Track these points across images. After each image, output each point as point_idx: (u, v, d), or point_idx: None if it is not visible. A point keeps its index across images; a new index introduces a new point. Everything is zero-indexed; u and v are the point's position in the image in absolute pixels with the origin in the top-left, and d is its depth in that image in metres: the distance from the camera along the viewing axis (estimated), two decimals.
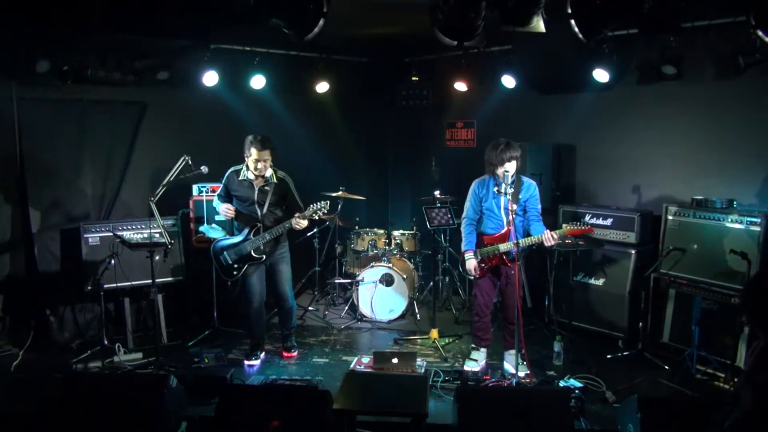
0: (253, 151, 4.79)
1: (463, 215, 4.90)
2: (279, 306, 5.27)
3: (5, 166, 5.27)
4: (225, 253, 5.01)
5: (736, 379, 4.55)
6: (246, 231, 4.94)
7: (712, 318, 4.83)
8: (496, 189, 4.68)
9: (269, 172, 4.94)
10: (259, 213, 4.94)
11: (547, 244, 4.50)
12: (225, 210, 4.96)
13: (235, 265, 4.99)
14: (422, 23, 4.19)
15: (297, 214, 4.78)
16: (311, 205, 4.82)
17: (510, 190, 4.44)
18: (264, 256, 4.96)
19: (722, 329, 4.74)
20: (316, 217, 4.86)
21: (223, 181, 5.05)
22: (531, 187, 4.73)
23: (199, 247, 6.01)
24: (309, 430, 3.46)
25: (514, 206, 4.49)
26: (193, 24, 5.33)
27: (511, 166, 4.55)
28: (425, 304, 6.63)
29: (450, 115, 7.65)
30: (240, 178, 4.95)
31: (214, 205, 5.19)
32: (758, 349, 2.30)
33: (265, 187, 4.95)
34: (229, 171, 5.03)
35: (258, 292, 5.05)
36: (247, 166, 4.91)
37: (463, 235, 4.85)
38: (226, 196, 5.07)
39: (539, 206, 4.75)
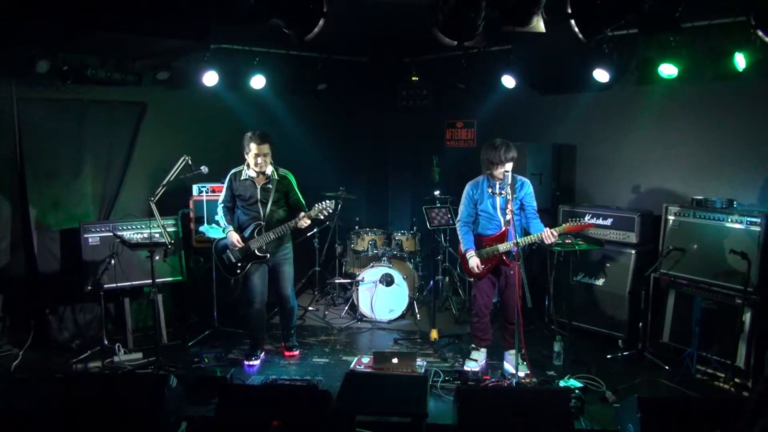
0: (253, 146, 4.79)
1: (458, 218, 4.91)
2: (280, 306, 5.28)
3: (5, 166, 5.27)
4: (228, 251, 5.01)
5: (736, 380, 4.55)
6: (249, 230, 4.94)
7: (712, 318, 4.83)
8: (489, 190, 4.69)
9: (270, 169, 4.93)
10: (262, 211, 4.93)
11: (547, 241, 4.51)
12: (236, 243, 4.89)
13: (239, 264, 4.99)
14: (422, 23, 4.19)
15: (302, 214, 4.76)
16: (316, 205, 4.78)
17: (507, 189, 4.44)
18: (267, 255, 4.95)
19: (722, 329, 4.73)
20: (321, 217, 4.84)
21: (226, 185, 5.02)
22: (525, 184, 4.75)
23: (199, 247, 6.01)
24: (309, 430, 3.46)
25: (512, 206, 4.49)
26: (193, 24, 5.32)
27: (510, 167, 4.56)
28: (425, 304, 6.63)
29: (450, 115, 7.65)
30: (242, 177, 4.94)
31: (220, 220, 5.09)
32: None
33: (267, 185, 4.94)
34: (230, 174, 5.01)
35: (260, 292, 5.04)
36: (248, 165, 4.91)
37: (460, 236, 4.85)
38: (231, 200, 5.03)
39: (535, 203, 4.76)
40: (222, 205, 5.06)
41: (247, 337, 5.39)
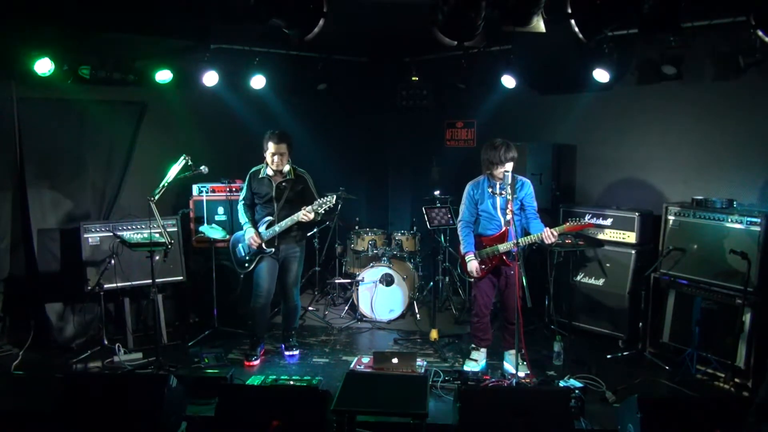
0: (270, 144, 4.88)
1: (459, 218, 4.91)
2: (284, 303, 5.30)
3: (5, 166, 5.26)
4: (240, 246, 5.13)
5: (736, 380, 4.55)
6: (261, 226, 5.00)
7: (712, 318, 4.83)
8: (490, 190, 4.70)
9: (287, 168, 5.00)
10: (275, 208, 4.98)
11: (547, 241, 4.51)
12: (252, 238, 4.96)
13: (248, 258, 5.06)
14: (422, 23, 4.19)
15: (303, 207, 4.83)
16: (317, 200, 4.86)
17: (507, 189, 4.44)
18: (274, 250, 4.99)
19: (722, 329, 4.73)
20: (322, 210, 4.88)
21: (245, 183, 5.14)
22: (526, 185, 4.75)
23: (199, 247, 6.01)
24: (309, 430, 3.46)
25: (512, 206, 4.49)
26: (193, 24, 5.33)
27: (510, 167, 4.56)
28: (425, 304, 6.63)
29: (450, 115, 7.65)
30: (260, 176, 5.04)
31: (240, 217, 5.16)
32: None
33: (283, 184, 5.01)
34: (250, 172, 5.12)
35: (266, 288, 5.05)
36: (266, 163, 4.99)
37: (460, 237, 4.86)
38: (250, 198, 5.12)
39: (535, 204, 4.76)
40: (242, 202, 5.16)
41: (247, 337, 5.38)
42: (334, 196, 4.89)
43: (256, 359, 5.12)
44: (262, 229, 5.01)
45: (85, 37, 5.07)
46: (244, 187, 5.17)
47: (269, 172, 5.01)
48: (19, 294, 5.39)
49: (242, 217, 5.14)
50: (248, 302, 5.23)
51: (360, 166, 8.09)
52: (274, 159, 4.90)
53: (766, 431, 2.73)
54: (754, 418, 2.95)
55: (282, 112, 6.89)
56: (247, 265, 5.09)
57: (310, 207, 4.82)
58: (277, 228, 4.92)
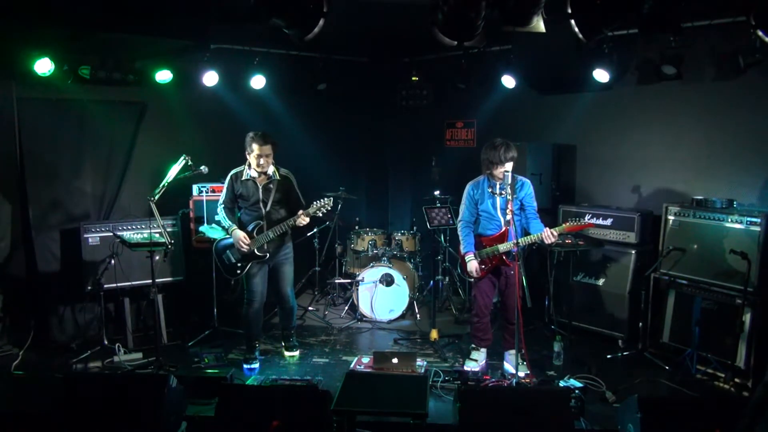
0: (255, 146, 4.75)
1: (459, 218, 4.91)
2: (280, 306, 5.26)
3: (5, 166, 5.27)
4: (228, 251, 4.99)
5: (736, 380, 4.55)
6: (249, 229, 4.91)
7: (712, 318, 4.83)
8: (490, 190, 4.70)
9: (271, 169, 4.91)
10: (263, 211, 4.91)
11: (547, 241, 4.51)
12: (243, 240, 4.80)
13: (239, 264, 4.95)
14: (422, 23, 4.19)
15: (300, 212, 4.76)
16: (315, 202, 4.78)
17: (507, 190, 4.44)
18: (267, 255, 4.92)
19: (722, 329, 4.73)
20: (320, 214, 4.83)
21: (226, 186, 4.95)
22: (526, 185, 4.75)
23: (199, 247, 6.01)
24: (309, 430, 3.46)
25: (512, 206, 4.49)
26: (193, 24, 5.33)
27: (510, 166, 4.56)
28: (425, 304, 6.63)
29: (450, 115, 7.65)
30: (243, 178, 4.90)
31: (222, 221, 5.00)
32: None
33: (269, 185, 4.92)
34: (230, 174, 4.96)
35: (260, 292, 5.01)
36: (249, 165, 4.89)
37: (460, 237, 4.85)
38: (232, 201, 4.97)
39: (535, 204, 4.76)
40: (222, 206, 4.98)
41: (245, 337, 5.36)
42: (332, 199, 4.80)
43: (255, 363, 5.07)
44: (249, 233, 4.86)
45: (85, 37, 5.07)
46: (225, 190, 4.94)
47: (253, 173, 4.87)
48: (19, 294, 5.39)
49: (225, 221, 4.91)
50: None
51: (360, 166, 8.09)
52: (259, 161, 4.76)
53: (761, 430, 2.74)
54: (749, 416, 2.96)
55: (282, 112, 6.89)
56: (239, 271, 4.93)
57: (306, 211, 4.73)
58: (270, 234, 4.81)
